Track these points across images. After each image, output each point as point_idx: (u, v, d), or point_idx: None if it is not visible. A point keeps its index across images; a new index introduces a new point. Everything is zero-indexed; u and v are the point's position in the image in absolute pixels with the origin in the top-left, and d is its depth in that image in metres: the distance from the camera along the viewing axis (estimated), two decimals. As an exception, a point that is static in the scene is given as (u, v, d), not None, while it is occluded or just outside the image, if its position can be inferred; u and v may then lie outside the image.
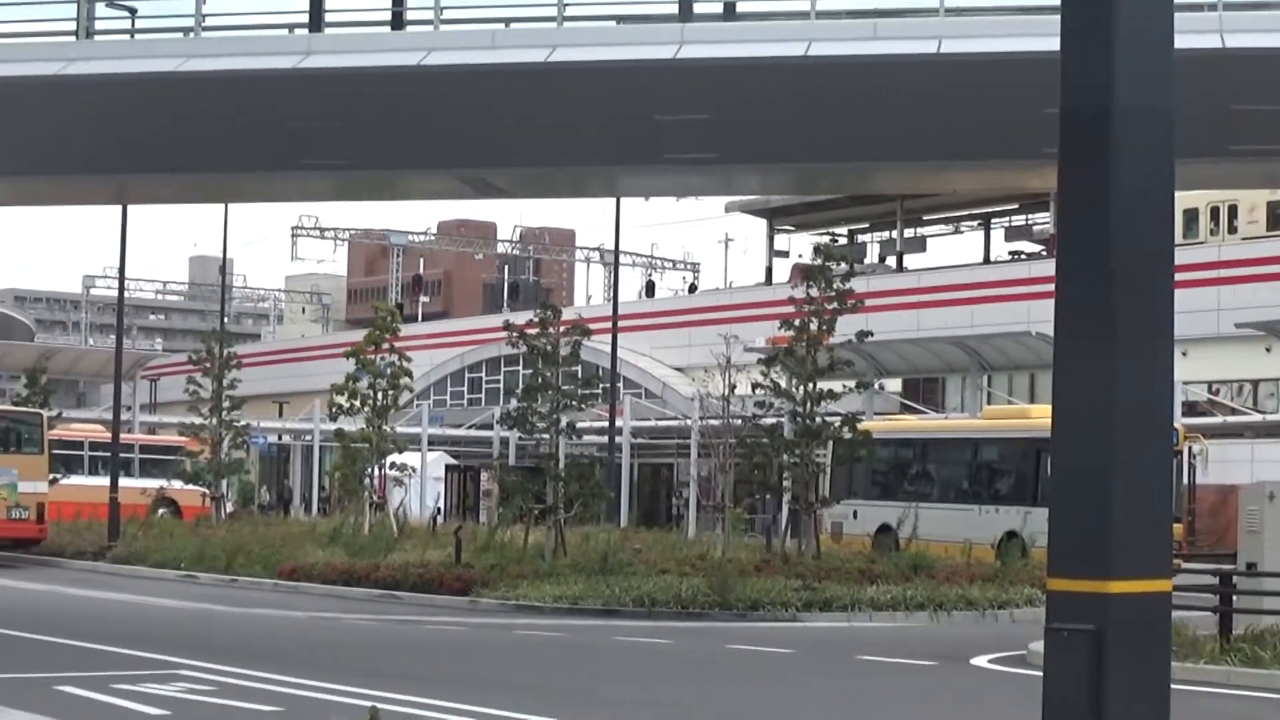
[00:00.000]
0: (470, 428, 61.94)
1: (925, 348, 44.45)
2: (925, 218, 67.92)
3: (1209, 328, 45.73)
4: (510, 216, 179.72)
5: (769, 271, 70.06)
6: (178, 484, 45.26)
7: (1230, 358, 47.22)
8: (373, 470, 39.05)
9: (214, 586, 32.57)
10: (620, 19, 22.13)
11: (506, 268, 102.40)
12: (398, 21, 22.46)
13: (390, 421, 39.60)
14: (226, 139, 23.48)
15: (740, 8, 21.87)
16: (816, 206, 66.65)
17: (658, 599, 26.12)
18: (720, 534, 35.19)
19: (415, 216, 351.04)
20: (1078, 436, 7.13)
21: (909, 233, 67.32)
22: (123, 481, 41.57)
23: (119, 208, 39.92)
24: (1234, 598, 19.41)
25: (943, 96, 21.05)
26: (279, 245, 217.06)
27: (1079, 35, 7.18)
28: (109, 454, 42.73)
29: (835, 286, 32.21)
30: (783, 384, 32.30)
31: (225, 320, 56.46)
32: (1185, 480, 35.06)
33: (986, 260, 65.56)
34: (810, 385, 31.93)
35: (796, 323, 32.35)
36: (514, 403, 36.76)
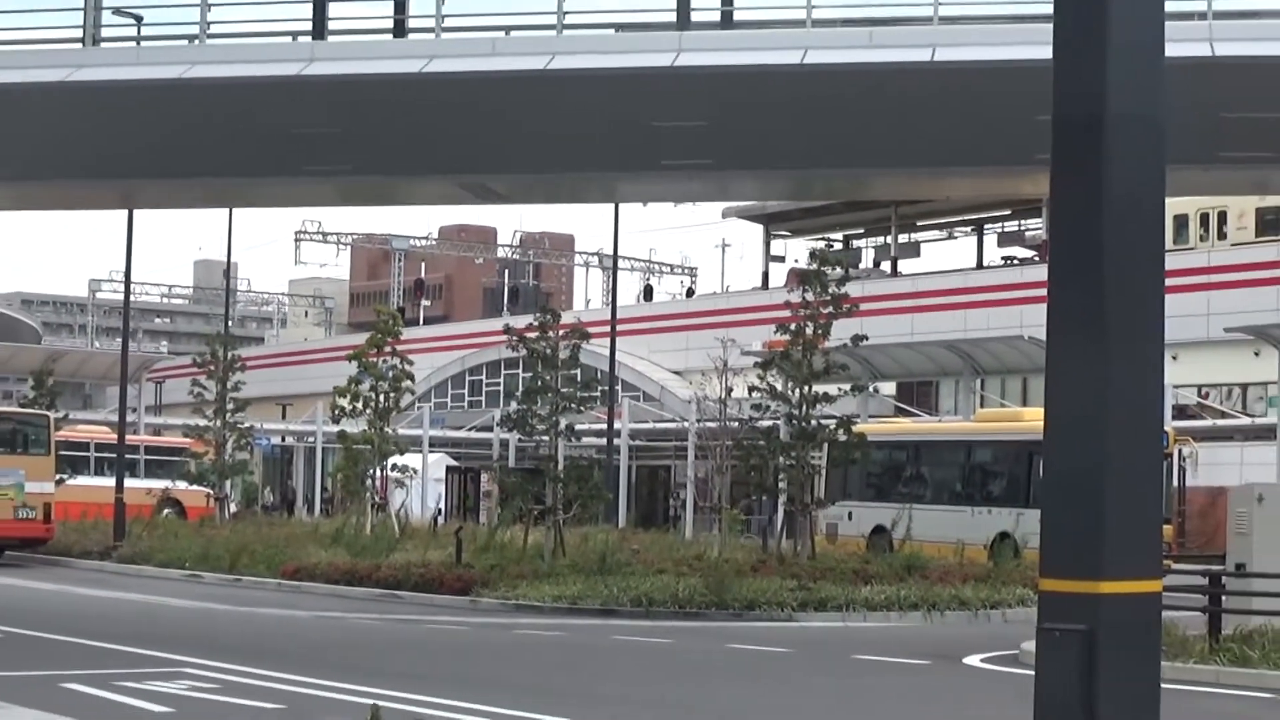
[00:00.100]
0: (470, 430, 61.96)
1: (919, 351, 44.54)
2: (919, 223, 68.03)
3: (1199, 332, 45.82)
4: (510, 221, 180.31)
5: (765, 276, 69.94)
6: (182, 485, 45.24)
7: (1220, 362, 47.27)
8: (375, 472, 39.18)
9: (218, 586, 32.70)
10: (619, 27, 22.29)
11: (507, 272, 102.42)
12: (399, 29, 22.57)
13: (392, 423, 39.73)
14: (231, 145, 23.63)
15: (737, 16, 22.02)
16: (812, 212, 66.61)
17: (655, 599, 26.26)
18: (717, 535, 35.42)
19: (417, 221, 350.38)
20: (1069, 439, 7.12)
21: (903, 238, 67.51)
22: (128, 482, 41.67)
23: (125, 213, 40.03)
24: (1223, 598, 19.52)
25: (937, 104, 21.21)
26: (282, 249, 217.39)
27: (1071, 44, 7.18)
28: (115, 455, 42.87)
29: (830, 291, 32.40)
30: (779, 387, 32.47)
31: (229, 323, 56.40)
32: (1175, 482, 35.17)
33: (979, 265, 65.67)
34: (806, 388, 32.10)
35: (792, 327, 32.51)
36: (514, 405, 36.81)
